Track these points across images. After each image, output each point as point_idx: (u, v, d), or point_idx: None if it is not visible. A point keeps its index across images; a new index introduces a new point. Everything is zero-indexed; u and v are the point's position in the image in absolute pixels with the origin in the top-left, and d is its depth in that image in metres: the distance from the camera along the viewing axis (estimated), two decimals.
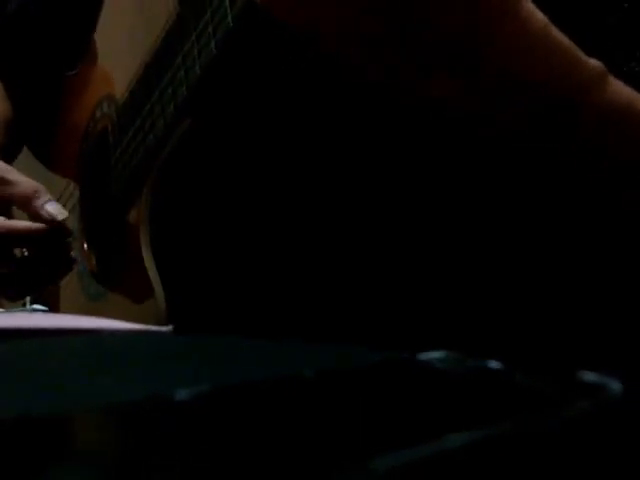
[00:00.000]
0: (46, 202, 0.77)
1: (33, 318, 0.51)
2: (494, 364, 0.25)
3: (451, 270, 0.57)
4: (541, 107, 0.44)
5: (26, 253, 0.81)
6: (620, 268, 0.51)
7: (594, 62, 0.45)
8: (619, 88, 0.45)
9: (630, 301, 0.52)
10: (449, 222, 0.56)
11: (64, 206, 0.81)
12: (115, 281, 0.73)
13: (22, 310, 0.66)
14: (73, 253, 0.82)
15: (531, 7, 0.44)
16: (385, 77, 0.45)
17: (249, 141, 0.61)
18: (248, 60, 0.57)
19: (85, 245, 0.81)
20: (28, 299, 0.86)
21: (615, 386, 0.23)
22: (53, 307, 0.85)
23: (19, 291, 0.85)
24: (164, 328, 0.44)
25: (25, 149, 0.92)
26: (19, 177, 0.78)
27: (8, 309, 0.84)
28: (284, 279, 0.62)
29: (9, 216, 0.80)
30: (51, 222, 0.77)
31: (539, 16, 0.44)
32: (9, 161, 0.87)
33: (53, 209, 0.77)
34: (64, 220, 0.77)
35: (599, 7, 0.51)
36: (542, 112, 0.44)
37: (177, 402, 0.22)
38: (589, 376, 0.23)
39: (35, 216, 0.78)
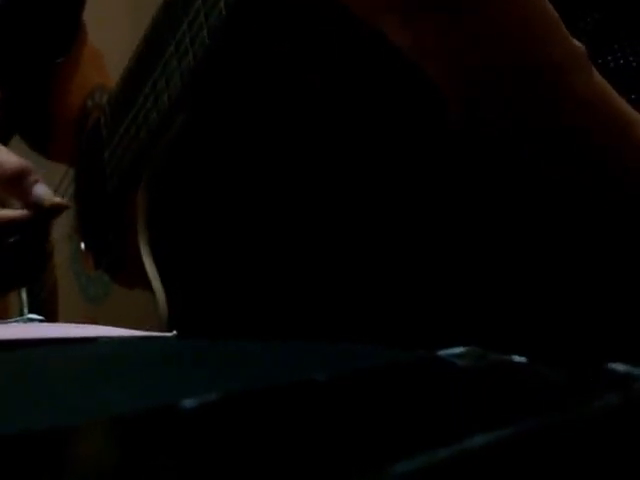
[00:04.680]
0: (34, 183, 0.72)
1: (30, 329, 0.50)
2: (517, 358, 0.24)
3: (472, 263, 0.57)
4: (522, 70, 0.43)
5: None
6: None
7: (579, 45, 0.44)
8: (599, 78, 0.45)
9: None
10: (462, 215, 0.56)
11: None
12: (114, 281, 0.72)
13: (18, 320, 0.65)
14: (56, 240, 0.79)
15: None
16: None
17: (246, 136, 0.60)
18: (243, 50, 0.56)
19: (82, 245, 0.79)
20: (25, 309, 0.85)
21: None
22: (52, 311, 0.84)
23: (6, 282, 0.81)
24: (168, 334, 0.43)
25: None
26: (5, 156, 0.73)
27: (4, 320, 0.83)
28: (288, 277, 0.61)
29: None
30: (36, 206, 0.72)
31: None
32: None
33: (42, 192, 0.72)
34: (51, 206, 0.72)
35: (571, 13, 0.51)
36: (523, 75, 0.43)
37: (184, 411, 0.22)
38: (618, 367, 0.22)
39: (21, 197, 0.72)
